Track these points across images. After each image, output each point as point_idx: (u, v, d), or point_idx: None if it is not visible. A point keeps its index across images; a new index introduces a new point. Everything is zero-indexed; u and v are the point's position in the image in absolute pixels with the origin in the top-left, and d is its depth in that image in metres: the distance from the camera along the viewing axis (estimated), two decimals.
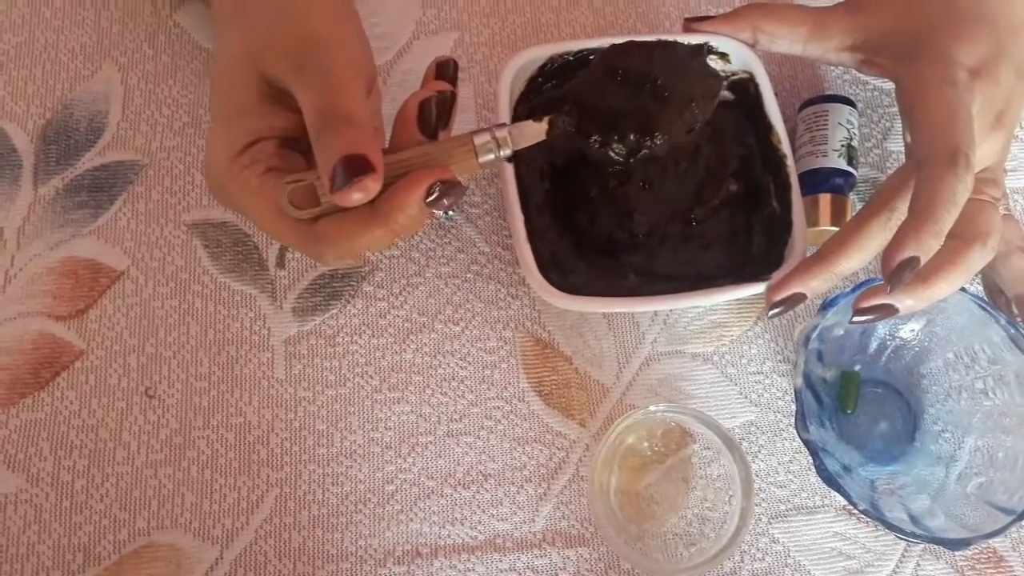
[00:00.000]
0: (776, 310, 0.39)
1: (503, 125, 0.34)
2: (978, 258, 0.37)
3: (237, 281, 0.45)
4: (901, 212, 0.36)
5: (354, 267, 0.46)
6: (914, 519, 0.39)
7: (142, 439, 0.42)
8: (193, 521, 0.41)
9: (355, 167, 0.31)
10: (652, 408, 0.40)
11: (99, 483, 0.41)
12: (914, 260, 0.34)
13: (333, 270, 0.46)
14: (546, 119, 0.35)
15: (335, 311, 0.45)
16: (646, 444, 0.44)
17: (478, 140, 0.33)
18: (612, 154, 0.37)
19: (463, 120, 0.49)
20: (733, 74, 0.44)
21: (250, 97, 0.35)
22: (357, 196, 0.31)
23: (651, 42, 0.38)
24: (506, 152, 0.34)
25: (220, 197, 0.37)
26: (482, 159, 0.33)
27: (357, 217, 0.33)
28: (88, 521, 0.41)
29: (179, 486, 0.42)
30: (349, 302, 0.45)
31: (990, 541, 0.40)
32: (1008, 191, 0.49)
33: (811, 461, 0.39)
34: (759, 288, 0.39)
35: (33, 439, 0.42)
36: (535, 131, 0.35)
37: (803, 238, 0.41)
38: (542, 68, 0.43)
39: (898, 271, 0.34)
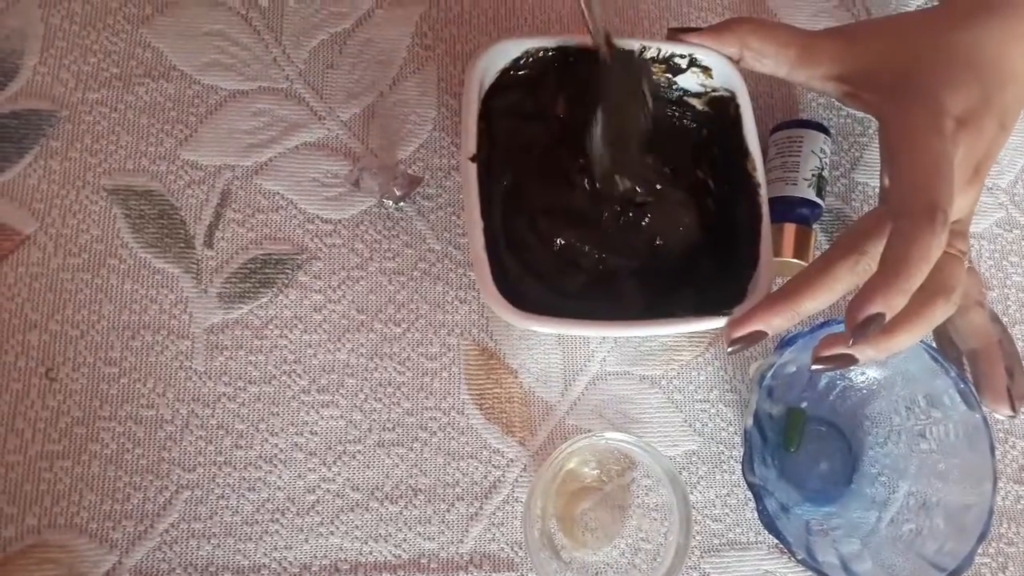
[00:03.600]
0: (736, 347, 0.37)
1: None
2: (941, 312, 0.36)
3: (159, 258, 0.41)
4: (870, 256, 0.35)
5: None
6: (844, 563, 0.39)
7: (38, 427, 0.38)
8: (91, 522, 0.38)
9: None
10: (597, 436, 0.39)
11: None
12: (880, 316, 0.33)
13: (267, 254, 0.42)
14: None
15: (265, 300, 0.42)
16: (586, 469, 0.42)
17: None
18: None
19: (425, 102, 0.46)
20: (713, 90, 0.42)
21: None
22: None
23: None
24: None
25: None
26: None
27: None
28: None
29: (77, 482, 0.38)
30: (282, 292, 0.42)
31: None
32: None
33: (750, 497, 0.38)
34: (719, 323, 0.38)
35: None
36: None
37: (769, 273, 0.39)
38: (516, 60, 0.40)
39: (863, 326, 0.33)
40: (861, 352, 0.36)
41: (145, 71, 0.44)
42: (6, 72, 0.42)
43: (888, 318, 0.33)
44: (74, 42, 0.43)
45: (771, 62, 0.42)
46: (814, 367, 0.37)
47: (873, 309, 0.33)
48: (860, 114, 0.50)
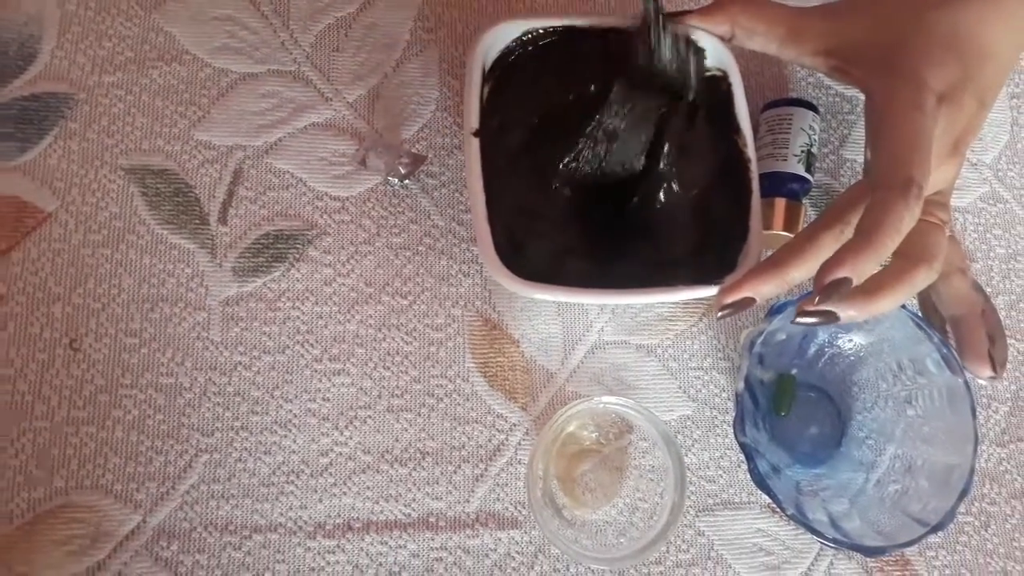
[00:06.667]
0: (725, 312, 0.39)
1: None
2: (922, 279, 0.38)
3: (175, 234, 0.43)
4: (853, 227, 0.36)
5: None
6: (833, 520, 0.41)
7: (64, 394, 0.40)
8: (115, 483, 0.40)
9: None
10: (596, 400, 0.41)
11: (15, 438, 0.39)
12: (847, 281, 0.34)
13: (278, 229, 0.44)
14: None
15: (278, 274, 0.44)
16: (586, 432, 0.44)
17: None
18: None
19: (428, 84, 0.48)
20: (707, 71, 0.44)
21: None
22: None
23: None
24: None
25: None
26: None
27: None
28: (1, 477, 0.39)
29: (102, 446, 0.40)
30: (293, 266, 0.44)
31: None
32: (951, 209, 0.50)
33: (742, 459, 0.40)
34: (711, 291, 0.40)
35: None
36: None
37: (759, 244, 0.41)
38: (519, 39, 0.42)
39: (829, 288, 0.34)
40: (843, 310, 0.37)
41: (158, 55, 0.46)
42: (25, 56, 0.44)
43: (855, 283, 0.35)
44: (89, 27, 0.45)
45: (761, 39, 0.43)
46: (797, 320, 0.38)
47: (841, 273, 0.34)
48: (848, 93, 0.52)
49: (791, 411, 0.45)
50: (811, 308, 0.38)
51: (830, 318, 0.38)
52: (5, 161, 0.42)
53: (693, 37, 0.43)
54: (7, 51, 0.44)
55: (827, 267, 0.34)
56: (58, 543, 0.38)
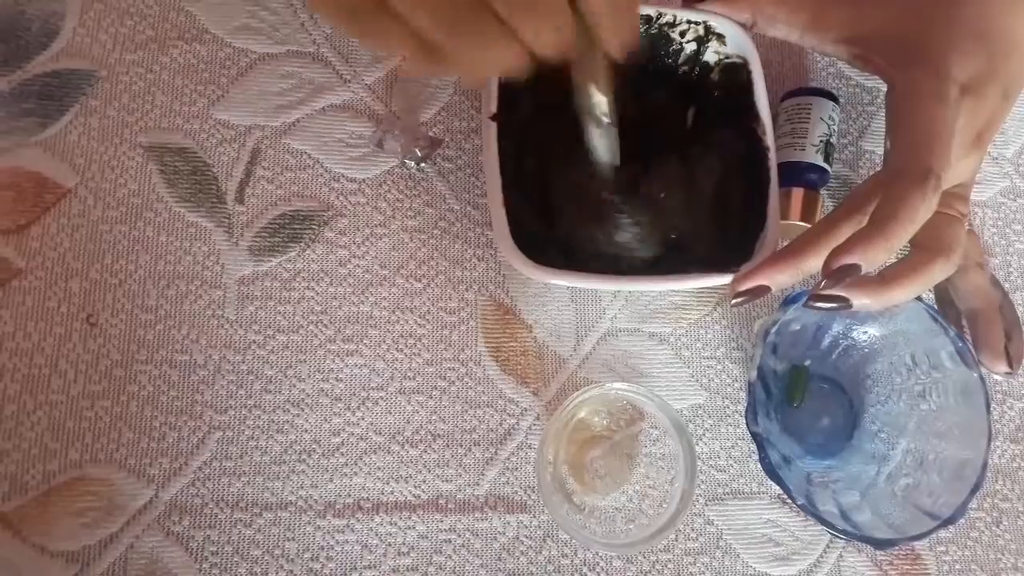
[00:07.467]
0: (739, 299, 0.39)
1: None
2: (940, 271, 0.38)
3: (193, 212, 0.43)
4: None
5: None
6: (843, 512, 0.41)
7: (80, 368, 0.41)
8: (129, 458, 0.40)
9: None
10: (608, 386, 0.41)
11: (31, 410, 0.40)
12: (855, 267, 0.34)
13: (295, 210, 0.44)
14: None
15: (293, 254, 0.44)
16: (597, 418, 0.44)
17: None
18: None
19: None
20: (727, 57, 0.44)
21: None
22: None
23: None
24: None
25: None
26: None
27: None
28: (17, 449, 0.39)
29: (116, 420, 0.40)
30: (309, 246, 0.44)
31: None
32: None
33: (753, 450, 0.40)
34: (726, 279, 0.39)
35: None
36: None
37: (776, 233, 0.41)
38: None
39: (837, 273, 0.34)
40: (857, 297, 0.37)
41: (179, 34, 0.46)
42: (48, 33, 0.44)
43: (863, 271, 0.34)
44: (111, 5, 0.45)
45: (783, 26, 0.43)
46: (810, 303, 0.38)
47: (850, 259, 0.33)
48: (869, 83, 0.51)
49: (803, 402, 0.45)
50: (819, 293, 0.37)
51: (843, 304, 0.37)
52: (26, 137, 0.43)
53: (713, 23, 0.43)
54: (30, 27, 0.44)
55: (837, 253, 0.34)
56: (72, 515, 0.39)
